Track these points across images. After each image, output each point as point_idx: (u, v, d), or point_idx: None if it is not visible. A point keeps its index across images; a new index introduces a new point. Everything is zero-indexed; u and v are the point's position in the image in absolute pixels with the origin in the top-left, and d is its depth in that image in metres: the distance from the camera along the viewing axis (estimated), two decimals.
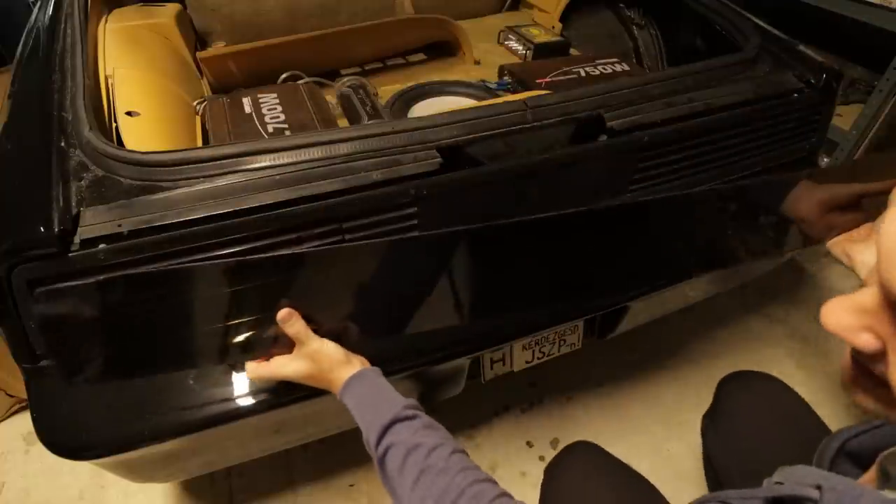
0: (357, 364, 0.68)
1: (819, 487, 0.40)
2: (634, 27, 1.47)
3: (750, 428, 0.81)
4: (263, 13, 1.45)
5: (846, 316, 0.32)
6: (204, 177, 0.70)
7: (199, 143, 1.06)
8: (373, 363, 0.71)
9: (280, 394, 0.74)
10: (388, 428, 0.60)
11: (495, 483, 0.55)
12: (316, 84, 1.26)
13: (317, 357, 0.66)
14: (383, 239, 0.71)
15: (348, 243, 0.70)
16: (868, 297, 0.31)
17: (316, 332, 0.66)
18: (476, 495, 0.52)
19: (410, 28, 1.55)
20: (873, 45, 1.60)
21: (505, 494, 0.53)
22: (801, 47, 1.04)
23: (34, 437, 0.67)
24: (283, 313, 0.64)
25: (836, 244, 0.75)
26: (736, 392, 0.87)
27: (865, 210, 0.75)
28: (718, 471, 0.85)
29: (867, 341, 0.31)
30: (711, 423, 0.89)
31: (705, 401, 0.93)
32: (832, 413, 1.35)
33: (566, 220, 0.74)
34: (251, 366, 0.68)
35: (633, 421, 1.34)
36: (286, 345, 0.67)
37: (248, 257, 0.63)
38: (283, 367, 0.67)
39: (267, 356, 0.68)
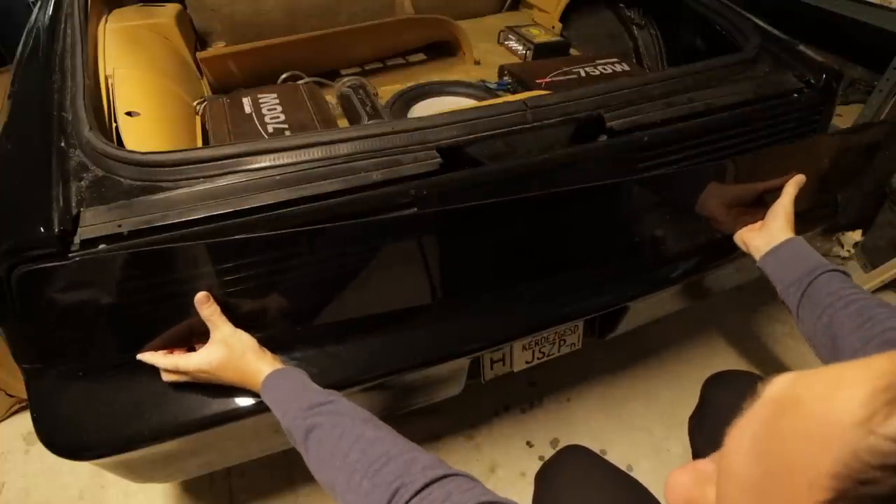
0: (270, 358, 0.69)
1: None
2: (634, 27, 1.47)
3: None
4: (263, 13, 1.45)
5: None
6: (204, 177, 0.70)
7: (199, 143, 1.06)
8: (372, 362, 0.71)
9: None
10: (312, 409, 0.60)
11: (427, 453, 0.54)
12: (316, 84, 1.26)
13: (230, 342, 0.67)
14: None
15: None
16: (710, 500, 0.29)
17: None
18: (409, 461, 0.51)
19: (410, 28, 1.54)
20: (873, 45, 1.60)
21: (440, 462, 0.52)
22: (801, 47, 1.04)
23: (34, 437, 0.67)
24: (200, 296, 0.65)
25: (737, 235, 0.87)
26: (721, 391, 0.88)
27: (768, 203, 0.85)
28: None
29: None
30: (698, 424, 0.90)
31: None
32: None
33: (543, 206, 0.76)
34: (161, 357, 0.68)
35: (633, 421, 1.34)
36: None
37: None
38: (194, 354, 0.68)
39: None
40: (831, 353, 0.66)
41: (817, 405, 0.23)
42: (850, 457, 0.21)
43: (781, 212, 0.82)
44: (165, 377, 0.69)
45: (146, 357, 0.69)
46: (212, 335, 0.68)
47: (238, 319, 0.70)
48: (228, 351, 0.67)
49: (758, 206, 0.87)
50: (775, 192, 0.85)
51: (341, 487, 0.53)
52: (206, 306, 0.66)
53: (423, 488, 0.48)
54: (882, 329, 0.61)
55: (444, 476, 0.49)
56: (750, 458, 0.25)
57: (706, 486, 0.29)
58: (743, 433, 0.26)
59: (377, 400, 0.89)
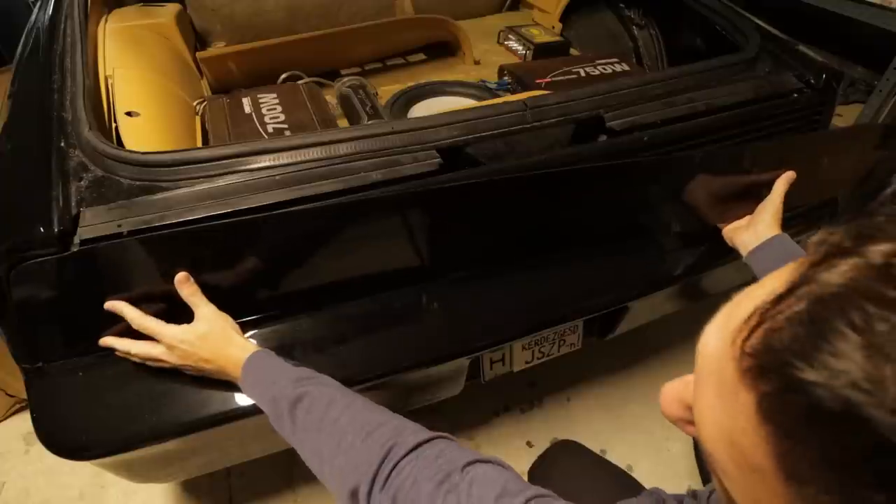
0: (245, 341, 0.68)
1: None
2: (634, 27, 1.47)
3: None
4: (263, 13, 1.45)
5: (675, 407, 0.33)
6: (204, 177, 0.70)
7: (199, 143, 1.06)
8: (372, 362, 0.71)
9: None
10: (300, 381, 0.60)
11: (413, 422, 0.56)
12: (316, 84, 1.26)
13: (212, 319, 0.67)
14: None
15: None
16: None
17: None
18: (400, 426, 0.53)
19: (410, 28, 1.54)
20: (873, 45, 1.60)
21: (423, 429, 0.53)
22: (801, 47, 1.04)
23: (34, 437, 0.67)
24: (180, 276, 0.66)
25: (725, 232, 0.89)
26: None
27: (755, 197, 0.86)
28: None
29: (692, 432, 0.32)
30: None
31: None
32: None
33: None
34: (145, 318, 0.66)
35: (633, 421, 1.34)
36: None
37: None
38: (175, 325, 0.67)
39: None
40: None
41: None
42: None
43: (770, 208, 0.83)
44: (138, 349, 0.67)
45: (123, 308, 0.66)
46: (196, 314, 0.68)
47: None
48: (209, 327, 0.67)
49: (747, 200, 0.87)
50: (765, 187, 0.85)
51: (330, 452, 0.54)
52: (185, 286, 0.66)
53: (416, 446, 0.50)
54: None
55: (436, 437, 0.52)
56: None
57: (690, 385, 0.32)
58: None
59: (376, 400, 0.88)
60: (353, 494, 0.50)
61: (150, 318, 0.67)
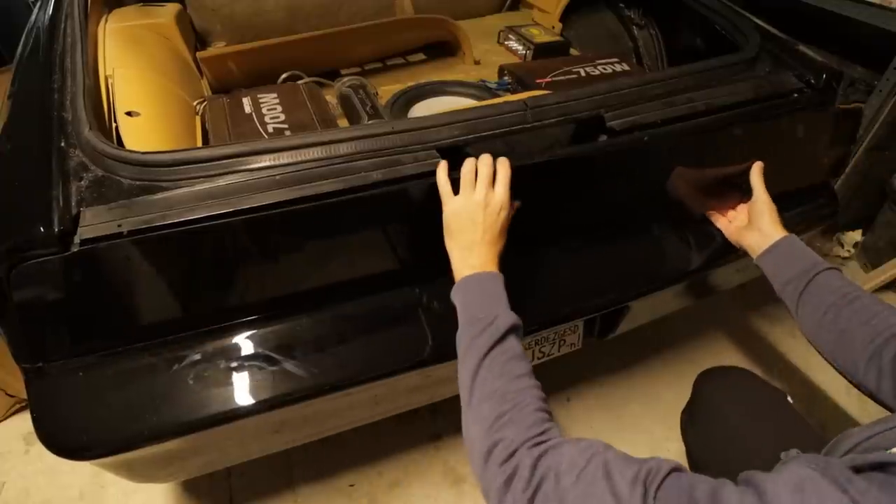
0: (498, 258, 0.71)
1: None
2: (634, 27, 1.47)
3: (726, 422, 0.84)
4: (263, 13, 1.45)
5: None
6: (204, 177, 0.70)
7: (199, 143, 1.06)
8: (373, 362, 0.71)
9: (280, 393, 0.74)
10: (515, 329, 0.64)
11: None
12: (316, 84, 1.26)
13: (505, 211, 0.71)
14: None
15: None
16: None
17: None
18: (540, 419, 0.57)
19: (410, 28, 1.54)
20: (873, 45, 1.60)
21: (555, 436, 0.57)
22: (801, 47, 1.04)
23: (34, 437, 0.67)
24: (505, 160, 0.71)
25: (730, 234, 0.90)
26: (712, 387, 0.89)
27: (735, 185, 0.90)
28: (698, 465, 0.86)
29: None
30: (689, 419, 0.91)
31: None
32: (833, 411, 1.35)
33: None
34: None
35: (633, 420, 1.34)
36: None
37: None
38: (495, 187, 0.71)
39: None
40: (836, 345, 0.70)
41: None
42: None
43: (764, 208, 0.84)
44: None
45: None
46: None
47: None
48: (502, 210, 0.71)
49: (727, 188, 0.90)
50: (740, 174, 0.88)
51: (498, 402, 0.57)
52: (509, 172, 0.71)
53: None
54: (888, 325, 0.66)
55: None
56: None
57: None
58: None
59: (378, 399, 0.89)
60: (493, 447, 0.54)
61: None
